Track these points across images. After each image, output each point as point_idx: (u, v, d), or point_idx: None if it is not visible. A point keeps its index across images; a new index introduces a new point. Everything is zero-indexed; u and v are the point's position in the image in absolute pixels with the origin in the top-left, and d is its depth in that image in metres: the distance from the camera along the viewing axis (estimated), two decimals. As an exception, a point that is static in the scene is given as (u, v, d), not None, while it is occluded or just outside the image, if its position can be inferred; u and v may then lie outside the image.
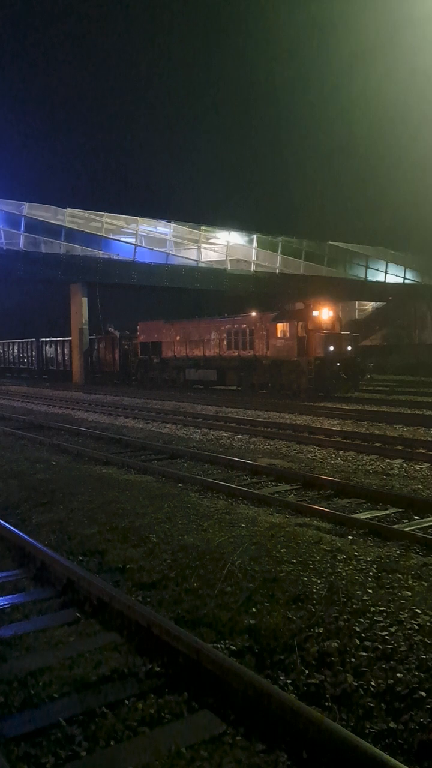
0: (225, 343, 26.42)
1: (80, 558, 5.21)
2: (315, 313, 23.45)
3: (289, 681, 3.23)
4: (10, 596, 4.51)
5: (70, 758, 2.66)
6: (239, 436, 12.88)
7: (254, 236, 39.09)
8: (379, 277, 44.69)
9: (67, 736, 2.81)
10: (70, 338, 37.41)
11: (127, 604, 3.87)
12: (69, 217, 33.63)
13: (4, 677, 3.31)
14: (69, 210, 33.59)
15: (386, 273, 44.97)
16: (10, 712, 3.01)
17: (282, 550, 5.14)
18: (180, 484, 8.15)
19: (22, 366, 45.72)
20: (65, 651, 3.61)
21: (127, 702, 3.07)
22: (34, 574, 4.93)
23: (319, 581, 4.42)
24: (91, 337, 36.10)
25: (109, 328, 35.31)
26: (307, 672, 3.29)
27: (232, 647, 3.55)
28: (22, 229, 32.47)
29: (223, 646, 3.55)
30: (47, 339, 41.75)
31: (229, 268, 38.34)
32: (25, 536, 5.51)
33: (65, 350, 38.91)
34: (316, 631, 3.69)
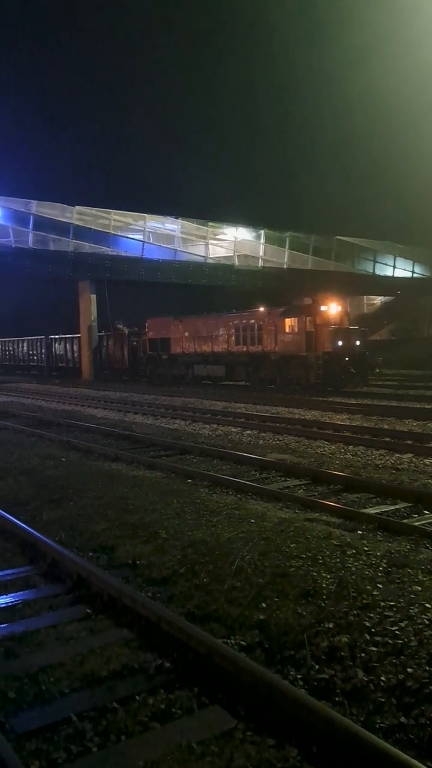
0: (233, 338, 26.41)
1: (90, 554, 5.23)
2: (323, 307, 23.38)
3: (299, 676, 3.23)
4: (21, 592, 4.54)
5: (82, 753, 2.67)
6: (248, 432, 12.87)
7: (262, 232, 38.99)
8: (388, 272, 44.46)
9: (78, 731, 2.82)
10: (79, 335, 37.52)
11: (137, 600, 3.88)
12: (77, 215, 33.68)
13: (15, 673, 3.34)
14: (77, 207, 33.64)
15: (394, 267, 44.74)
16: (21, 707, 3.03)
17: (291, 546, 5.13)
18: (189, 480, 8.16)
19: (31, 363, 45.92)
20: (76, 647, 3.62)
21: (137, 697, 3.09)
22: (44, 571, 4.95)
23: (328, 576, 4.42)
24: (100, 334, 36.20)
25: (118, 325, 35.37)
26: (317, 667, 3.28)
27: (242, 642, 3.55)
28: (31, 226, 32.56)
29: (233, 641, 3.55)
30: (56, 336, 41.88)
31: (236, 263, 38.27)
32: (35, 533, 5.53)
33: (74, 347, 39.02)
34: (326, 626, 3.68)
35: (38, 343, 44.56)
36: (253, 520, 5.98)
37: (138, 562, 4.99)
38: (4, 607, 4.29)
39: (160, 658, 3.41)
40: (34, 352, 45.28)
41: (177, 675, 3.27)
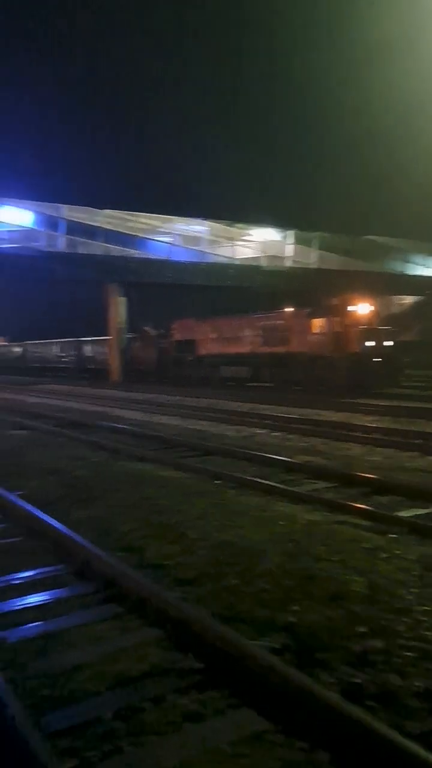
0: (259, 339, 26.36)
1: (119, 554, 5.27)
2: (351, 308, 23.18)
3: (330, 680, 3.20)
4: (52, 591, 4.58)
5: (114, 752, 2.69)
6: (275, 434, 12.82)
7: (289, 232, 38.85)
8: (418, 271, 43.90)
9: (110, 730, 2.84)
10: (108, 337, 37.87)
11: (168, 600, 3.90)
12: (106, 218, 34.04)
13: (47, 671, 3.38)
14: (105, 211, 33.99)
15: (425, 266, 44.16)
16: (53, 706, 3.07)
17: (320, 548, 5.10)
18: (216, 481, 8.16)
19: (62, 365, 46.48)
20: (107, 646, 3.65)
21: (169, 697, 3.10)
22: (75, 570, 5.00)
23: (359, 580, 4.38)
24: (128, 336, 36.49)
25: (146, 327, 35.62)
26: (348, 671, 3.25)
27: (272, 645, 3.54)
28: (62, 231, 33.01)
29: (263, 643, 3.54)
30: (86, 338, 42.35)
31: (263, 264, 38.22)
32: (66, 531, 5.58)
33: (103, 349, 39.40)
34: (358, 629, 3.65)
35: (69, 346, 45.11)
36: (281, 522, 5.96)
37: (166, 562, 5.01)
38: (36, 605, 4.35)
39: (191, 658, 3.42)
40: (65, 354, 45.85)
41: (208, 676, 3.27)
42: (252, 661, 3.13)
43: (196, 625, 3.54)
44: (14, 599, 4.46)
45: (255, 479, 8.05)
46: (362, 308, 23.39)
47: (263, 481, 7.94)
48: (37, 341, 51.08)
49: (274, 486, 7.64)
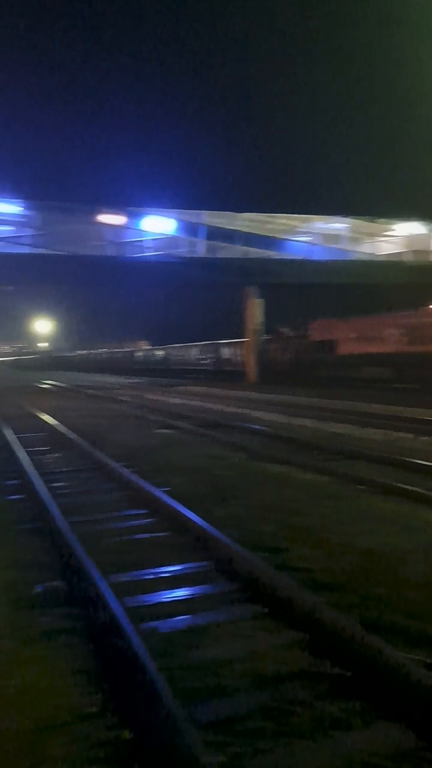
0: (405, 339, 25.30)
1: (262, 554, 5.31)
2: None
3: None
4: (198, 586, 4.73)
5: (262, 752, 2.72)
6: (422, 438, 12.23)
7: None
8: None
9: (257, 728, 2.88)
10: (244, 339, 38.43)
11: (313, 604, 3.86)
12: (245, 221, 34.57)
13: (195, 664, 3.49)
14: (245, 214, 34.53)
15: None
16: (201, 698, 3.16)
17: None
18: (359, 486, 7.96)
19: (200, 367, 47.93)
20: (252, 645, 3.70)
21: (315, 703, 3.07)
22: (220, 567, 5.12)
23: None
24: (265, 337, 36.75)
25: (282, 328, 35.65)
26: None
27: (427, 660, 3.37)
28: (202, 236, 34.06)
29: (416, 657, 3.39)
30: (223, 341, 43.31)
31: (407, 260, 36.65)
32: (210, 529, 5.74)
33: (240, 351, 40.05)
34: None
35: (207, 348, 46.41)
36: (431, 532, 5.68)
37: (309, 566, 4.97)
38: (183, 599, 4.52)
39: (337, 665, 3.37)
40: (203, 356, 47.22)
41: (355, 685, 3.20)
42: (404, 674, 3.01)
43: (344, 633, 3.47)
44: (163, 591, 4.66)
45: (400, 485, 7.73)
46: None
47: (410, 487, 7.61)
48: (177, 344, 53.11)
49: (423, 493, 7.29)
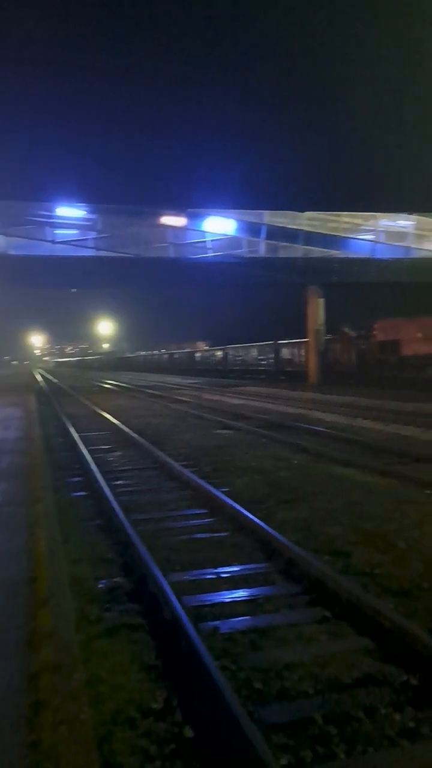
0: None
1: (326, 558, 5.22)
2: None
3: None
4: (261, 588, 4.70)
5: (328, 757, 2.66)
6: None
7: None
8: None
9: (323, 733, 2.82)
10: (306, 339, 38.01)
11: (380, 610, 3.76)
12: (307, 220, 34.21)
13: (260, 666, 3.46)
14: (307, 213, 34.17)
15: None
16: (267, 700, 3.13)
17: None
18: (427, 491, 7.71)
19: (260, 368, 47.76)
20: (317, 649, 3.64)
21: (383, 711, 2.98)
22: (281, 569, 5.07)
23: None
24: (327, 337, 36.24)
25: (345, 328, 35.05)
26: None
27: None
28: (263, 236, 33.92)
29: None
30: (284, 341, 42.99)
31: None
32: (272, 531, 5.69)
33: (301, 351, 39.64)
34: None
35: (267, 349, 46.19)
36: None
37: (375, 571, 4.85)
38: (245, 599, 4.49)
39: (407, 673, 3.26)
40: (263, 357, 47.02)
41: (424, 694, 3.09)
42: None
43: (412, 640, 3.36)
44: (224, 591, 4.65)
45: (470, 490, 7.44)
46: None
47: None
48: (236, 345, 53.11)
49: None
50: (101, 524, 6.56)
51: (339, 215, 34.68)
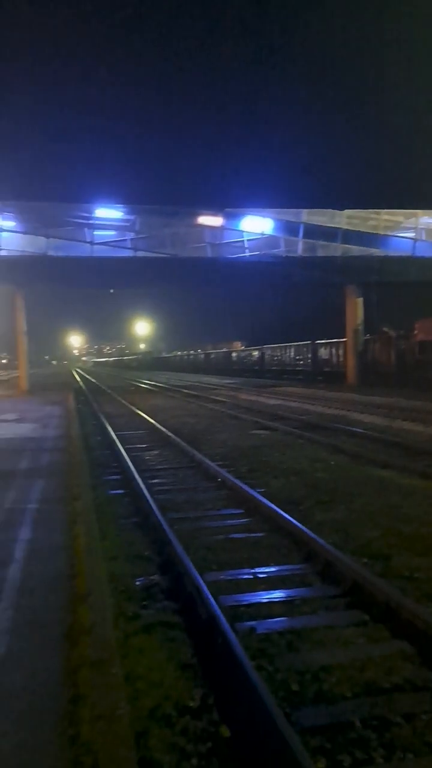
0: None
1: (364, 560, 5.15)
2: None
3: None
4: (298, 589, 4.67)
5: (366, 762, 2.63)
6: None
7: None
8: None
9: (361, 738, 2.78)
10: (344, 340, 37.60)
11: (419, 615, 3.69)
12: (346, 219, 33.83)
13: (297, 667, 3.43)
14: (346, 211, 33.79)
15: None
16: (304, 702, 3.11)
17: None
18: (468, 494, 7.53)
19: (297, 368, 47.44)
20: (355, 652, 3.59)
21: (423, 716, 2.93)
22: (318, 571, 5.03)
23: None
24: (366, 337, 35.77)
25: (384, 328, 34.53)
26: None
27: None
28: (301, 235, 33.69)
29: None
30: (322, 341, 42.60)
31: None
32: (309, 532, 5.64)
33: (339, 351, 39.21)
34: None
35: (304, 349, 45.86)
36: None
37: (415, 575, 4.76)
38: (282, 600, 4.46)
39: (447, 681, 3.19)
40: (300, 357, 46.69)
41: (466, 703, 3.02)
42: None
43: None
44: (261, 592, 4.64)
45: None
46: None
47: None
48: (273, 345, 52.89)
49: None
50: (138, 522, 6.61)
51: (379, 213, 34.19)
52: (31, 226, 30.59)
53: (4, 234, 29.87)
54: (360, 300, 35.11)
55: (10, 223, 30.22)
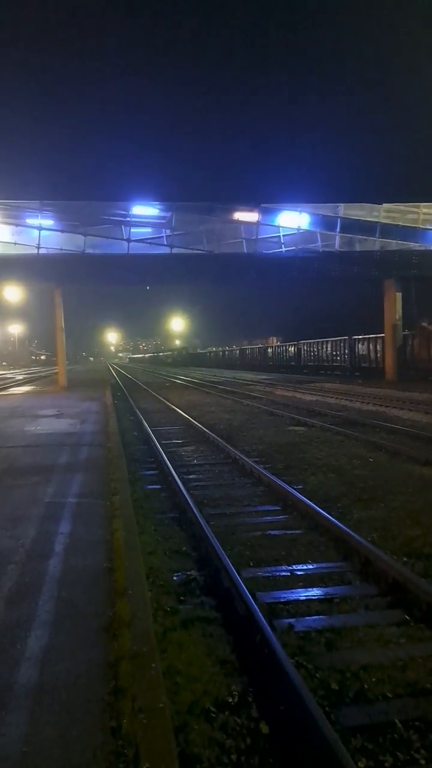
0: None
1: (405, 559, 5.07)
2: None
3: None
4: (337, 587, 4.62)
5: (409, 764, 2.58)
6: None
7: None
8: None
9: (403, 739, 2.74)
10: (382, 335, 37.06)
11: (462, 615, 3.61)
12: (384, 213, 33.29)
13: (337, 666, 3.40)
14: (384, 205, 33.25)
15: None
16: (344, 701, 3.07)
17: None
18: None
19: (335, 364, 46.98)
20: (396, 652, 3.54)
21: (467, 721, 2.86)
22: (357, 569, 4.97)
23: None
24: (405, 333, 35.18)
25: (424, 323, 33.90)
26: None
27: None
28: (338, 230, 33.31)
29: None
30: (359, 336, 42.08)
31: None
32: (348, 530, 5.58)
33: (377, 347, 38.69)
34: None
35: (341, 344, 45.38)
36: None
37: (457, 574, 4.66)
38: (320, 598, 4.43)
39: None
40: (338, 352, 46.22)
41: None
42: None
43: None
44: (299, 589, 4.61)
45: None
46: None
47: None
48: (310, 340, 52.48)
49: None
50: (175, 517, 6.65)
51: (418, 206, 33.54)
52: (70, 224, 31.02)
53: (44, 233, 30.35)
54: (399, 294, 34.56)
55: (49, 222, 30.71)
